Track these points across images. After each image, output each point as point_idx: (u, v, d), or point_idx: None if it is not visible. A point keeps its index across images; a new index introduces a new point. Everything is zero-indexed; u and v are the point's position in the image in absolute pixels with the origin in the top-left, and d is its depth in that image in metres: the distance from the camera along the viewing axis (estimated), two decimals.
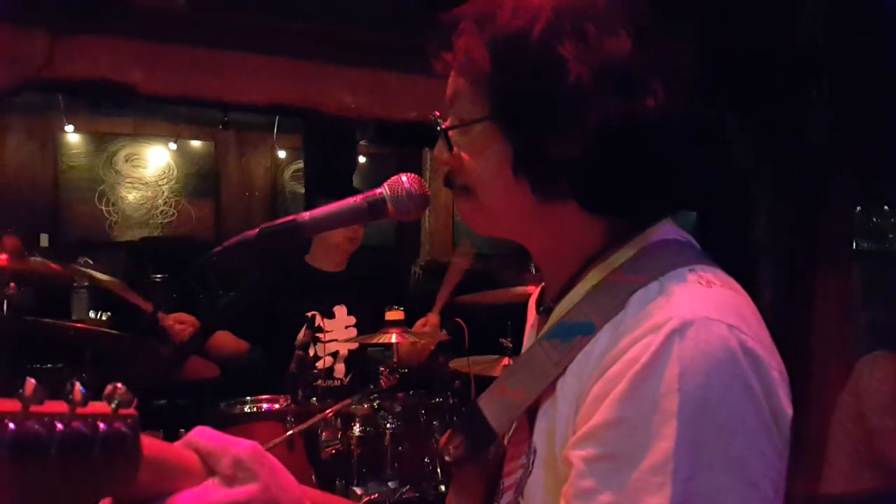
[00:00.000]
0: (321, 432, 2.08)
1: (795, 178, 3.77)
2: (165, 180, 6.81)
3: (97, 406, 0.55)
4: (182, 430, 2.23)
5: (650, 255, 0.80)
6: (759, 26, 3.34)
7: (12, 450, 0.49)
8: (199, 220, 6.91)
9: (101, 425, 0.53)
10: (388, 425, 2.15)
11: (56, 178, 6.43)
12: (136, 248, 6.38)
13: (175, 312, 2.53)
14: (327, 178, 4.76)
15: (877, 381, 2.87)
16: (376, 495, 1.98)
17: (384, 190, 1.10)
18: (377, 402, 2.23)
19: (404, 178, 1.11)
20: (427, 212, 8.17)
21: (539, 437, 0.81)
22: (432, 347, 2.67)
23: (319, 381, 2.83)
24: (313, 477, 2.07)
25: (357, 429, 2.11)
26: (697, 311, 0.70)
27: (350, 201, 1.11)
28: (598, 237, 0.83)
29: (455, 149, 0.87)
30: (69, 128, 6.36)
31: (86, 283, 3.11)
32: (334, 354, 2.89)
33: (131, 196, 6.69)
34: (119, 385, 0.55)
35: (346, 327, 2.91)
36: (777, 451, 0.70)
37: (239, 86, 2.77)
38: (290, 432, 2.01)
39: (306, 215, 1.09)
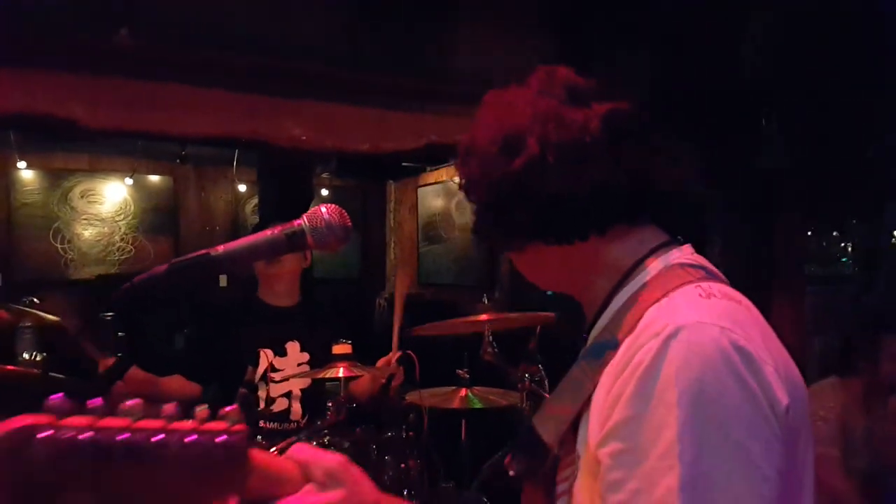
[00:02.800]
0: None
1: (746, 206, 3.83)
2: (122, 216, 6.72)
3: (214, 424, 0.65)
4: None
5: (665, 276, 0.93)
6: (708, 58, 3.41)
7: (155, 457, 0.61)
8: (158, 255, 6.80)
9: (217, 438, 0.63)
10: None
11: (9, 216, 6.30)
12: (93, 287, 6.26)
13: (116, 354, 2.44)
14: (282, 211, 4.71)
15: (823, 410, 2.88)
16: None
17: (303, 221, 1.08)
18: (327, 438, 2.17)
19: (323, 209, 1.10)
20: (392, 243, 8.16)
21: (580, 446, 0.91)
22: (383, 381, 2.62)
23: (275, 425, 2.74)
24: None
25: None
26: (691, 317, 0.82)
27: (268, 233, 1.08)
28: (612, 267, 0.99)
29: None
30: (22, 164, 6.25)
31: (30, 324, 3.02)
32: (288, 395, 2.80)
33: (87, 233, 6.57)
34: (234, 406, 0.67)
35: (299, 364, 2.81)
36: (777, 437, 0.79)
37: (185, 119, 2.74)
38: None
39: (220, 248, 1.06)
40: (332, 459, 0.78)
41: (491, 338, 2.72)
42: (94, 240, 6.59)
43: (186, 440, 0.62)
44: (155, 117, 2.63)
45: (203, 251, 1.04)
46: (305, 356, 2.83)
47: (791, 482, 0.83)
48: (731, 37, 3.48)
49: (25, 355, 2.05)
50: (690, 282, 0.90)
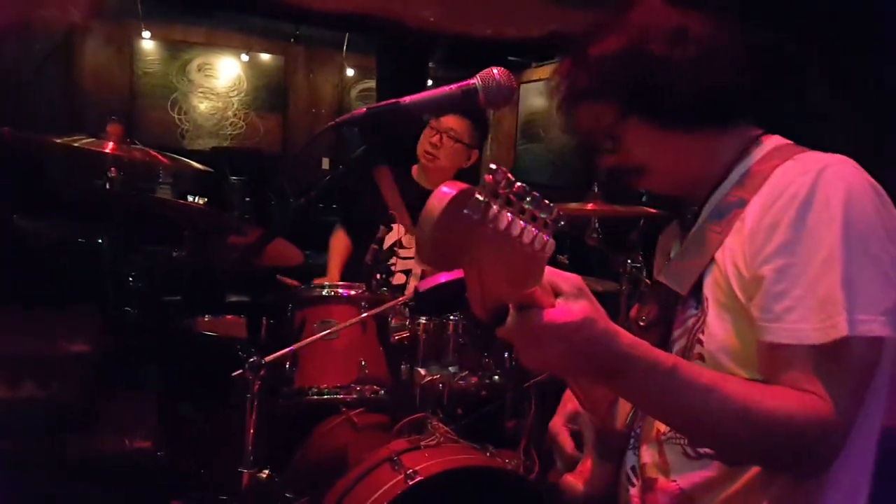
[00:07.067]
0: (391, 319, 2.25)
1: (868, 120, 3.72)
2: (236, 92, 7.01)
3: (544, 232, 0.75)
4: (266, 319, 2.43)
5: (778, 150, 1.09)
6: None
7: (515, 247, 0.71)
8: (267, 133, 7.12)
9: (545, 246, 0.75)
10: (452, 317, 2.30)
11: (132, 83, 6.67)
12: (208, 158, 6.62)
13: (248, 216, 2.66)
14: (399, 96, 4.84)
15: None
16: (437, 377, 2.16)
17: (476, 80, 1.22)
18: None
19: (495, 71, 1.23)
20: (489, 140, 8.23)
21: (708, 289, 1.08)
22: None
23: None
24: (383, 358, 2.26)
25: (423, 318, 2.27)
26: (834, 159, 1.01)
27: (446, 89, 1.23)
28: (726, 154, 1.14)
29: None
30: (146, 34, 6.53)
31: (170, 180, 3.34)
32: (407, 272, 2.94)
33: (202, 106, 6.91)
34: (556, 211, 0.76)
35: None
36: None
37: None
38: (364, 315, 2.19)
39: (407, 99, 1.22)
40: (575, 277, 0.89)
41: (597, 224, 2.87)
42: (209, 113, 6.93)
43: (531, 245, 0.72)
44: None
45: (393, 100, 1.20)
46: None
47: None
48: None
49: (190, 198, 2.31)
50: (806, 150, 1.07)
